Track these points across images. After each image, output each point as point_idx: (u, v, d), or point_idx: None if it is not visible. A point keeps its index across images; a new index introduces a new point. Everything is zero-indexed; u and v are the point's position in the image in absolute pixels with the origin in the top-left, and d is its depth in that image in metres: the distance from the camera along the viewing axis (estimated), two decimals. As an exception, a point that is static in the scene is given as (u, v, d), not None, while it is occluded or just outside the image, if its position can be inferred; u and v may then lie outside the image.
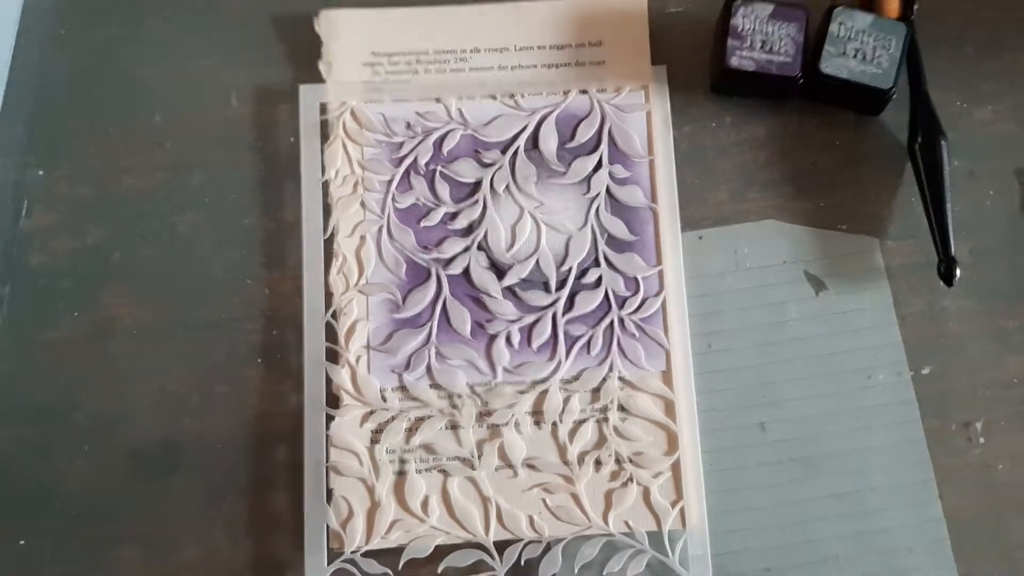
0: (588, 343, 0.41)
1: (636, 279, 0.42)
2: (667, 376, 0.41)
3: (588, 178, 0.43)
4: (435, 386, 0.41)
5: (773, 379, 0.41)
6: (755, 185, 0.44)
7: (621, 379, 0.41)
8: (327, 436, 0.40)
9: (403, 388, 0.41)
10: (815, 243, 0.43)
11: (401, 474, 0.40)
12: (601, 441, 0.40)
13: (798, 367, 0.41)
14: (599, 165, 0.43)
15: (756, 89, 0.44)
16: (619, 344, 0.41)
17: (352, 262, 0.42)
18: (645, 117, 0.44)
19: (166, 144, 0.44)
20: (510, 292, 0.42)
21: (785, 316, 0.42)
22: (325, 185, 0.43)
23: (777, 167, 0.44)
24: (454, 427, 0.41)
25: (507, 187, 0.43)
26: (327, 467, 0.40)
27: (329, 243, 0.42)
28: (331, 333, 0.42)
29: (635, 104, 0.44)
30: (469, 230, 0.42)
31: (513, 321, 0.41)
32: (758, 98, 0.44)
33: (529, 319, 0.42)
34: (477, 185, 0.43)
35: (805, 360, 0.42)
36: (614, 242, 0.42)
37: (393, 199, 0.43)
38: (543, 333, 0.41)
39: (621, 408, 0.41)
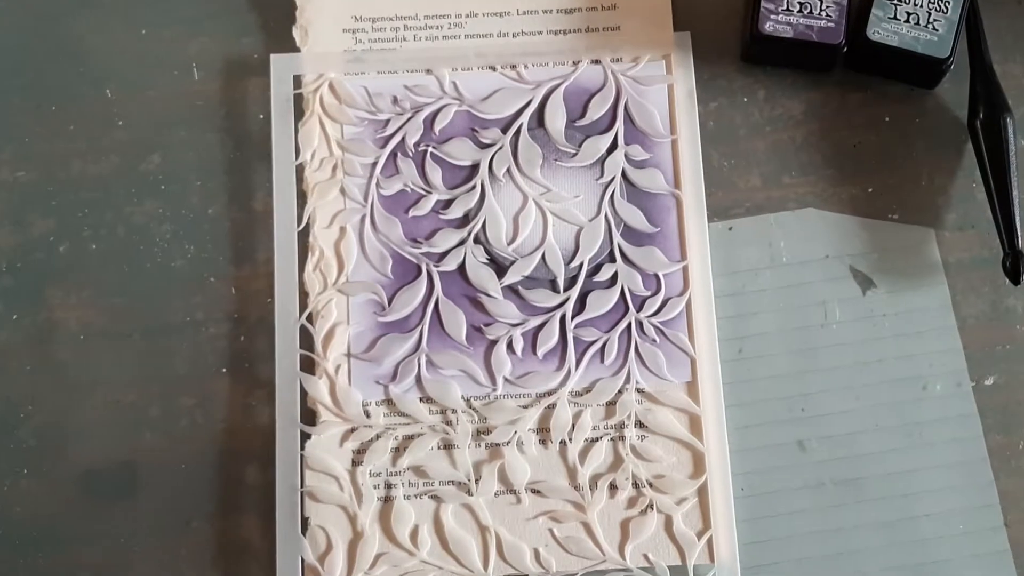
0: (602, 350, 0.40)
1: (657, 276, 0.41)
2: (692, 388, 0.40)
3: (601, 160, 0.42)
4: (426, 399, 0.40)
5: (814, 390, 0.40)
6: (792, 168, 0.42)
7: (639, 391, 0.40)
8: (302, 457, 0.39)
9: (389, 402, 0.40)
10: (862, 234, 0.42)
11: (387, 500, 0.39)
12: (616, 462, 0.39)
13: (842, 376, 0.40)
14: (614, 146, 0.42)
15: (793, 58, 0.42)
16: (637, 351, 0.40)
17: (330, 257, 0.41)
18: (667, 91, 0.42)
19: (120, 123, 0.43)
20: (512, 291, 0.41)
21: (828, 318, 0.41)
22: (300, 169, 0.42)
23: (818, 147, 0.43)
24: (448, 447, 0.40)
25: (508, 171, 0.42)
26: (302, 493, 0.39)
27: (304, 235, 0.41)
28: (306, 339, 0.40)
29: (655, 76, 0.43)
30: (465, 220, 0.41)
31: (515, 325, 0.40)
32: (796, 69, 0.43)
33: (534, 322, 0.40)
34: (474, 169, 0.42)
35: (851, 369, 0.41)
36: (631, 234, 0.41)
37: (377, 185, 0.41)
38: (550, 338, 0.40)
39: (639, 424, 0.40)
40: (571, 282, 0.41)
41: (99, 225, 0.42)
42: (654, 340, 0.40)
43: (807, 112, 0.43)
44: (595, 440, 0.40)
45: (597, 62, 0.43)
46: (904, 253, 0.42)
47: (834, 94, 0.43)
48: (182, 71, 0.43)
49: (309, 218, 0.41)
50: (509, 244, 0.41)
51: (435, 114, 0.42)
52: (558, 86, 0.42)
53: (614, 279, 0.41)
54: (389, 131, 0.42)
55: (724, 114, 0.43)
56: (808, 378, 0.40)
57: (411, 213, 0.41)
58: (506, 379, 0.40)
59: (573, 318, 0.40)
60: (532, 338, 0.40)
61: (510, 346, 0.40)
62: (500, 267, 0.41)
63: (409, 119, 0.42)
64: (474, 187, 0.41)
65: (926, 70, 0.41)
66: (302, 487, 0.39)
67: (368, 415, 0.40)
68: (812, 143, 0.43)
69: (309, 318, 0.40)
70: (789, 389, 0.40)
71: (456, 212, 0.41)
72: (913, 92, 0.43)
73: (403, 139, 0.42)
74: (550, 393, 0.40)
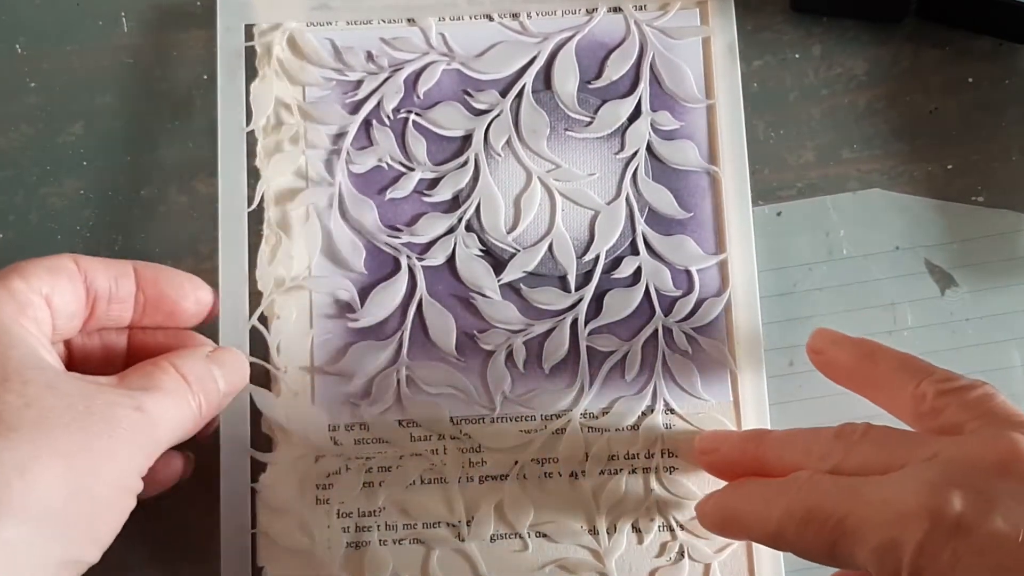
0: (622, 363, 0.38)
1: (689, 272, 0.39)
2: (733, 409, 0.38)
3: (622, 130, 0.40)
4: (407, 423, 0.38)
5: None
6: (854, 140, 0.40)
7: (669, 412, 0.38)
8: (253, 492, 0.37)
9: (362, 425, 0.38)
10: (939, 221, 0.40)
11: (359, 546, 0.37)
12: (641, 500, 0.38)
13: (917, 395, 0.39)
14: (637, 112, 0.40)
15: (856, 6, 0.40)
16: (666, 364, 0.38)
17: (289, 247, 0.39)
18: (701, 45, 0.40)
19: (32, 85, 0.41)
20: (512, 291, 0.39)
21: (897, 323, 0.39)
22: (251, 139, 0.40)
23: (885, 115, 0.40)
24: (434, 480, 0.38)
25: (508, 143, 0.40)
26: (254, 535, 0.37)
27: (256, 221, 0.39)
28: (260, 347, 0.38)
29: (688, 27, 0.40)
30: (455, 204, 0.40)
31: (516, 331, 0.38)
32: (858, 19, 0.41)
33: (539, 329, 0.39)
34: (466, 140, 0.40)
35: (926, 386, 0.39)
36: (658, 220, 0.39)
37: (347, 160, 0.40)
38: (559, 349, 0.38)
39: (669, 453, 0.38)
40: (584, 279, 0.39)
41: (7, 210, 0.40)
42: (686, 351, 0.38)
43: (872, 72, 0.41)
44: (615, 473, 0.38)
45: (617, 10, 0.40)
46: (992, 244, 0.40)
47: (905, 50, 0.41)
48: (108, 21, 0.41)
49: (262, 200, 0.39)
50: (509, 233, 0.39)
51: (418, 73, 0.40)
52: (569, 39, 0.40)
53: (637, 276, 0.39)
54: (362, 94, 0.40)
55: (771, 74, 0.41)
56: (874, 397, 0.37)
57: (389, 194, 0.39)
58: (505, 398, 0.38)
59: (587, 323, 0.38)
60: (537, 348, 0.38)
61: (510, 358, 0.38)
62: (498, 261, 0.39)
63: (386, 79, 0.40)
64: (466, 163, 0.39)
65: (1018, 20, 0.38)
66: (254, 529, 0.37)
67: (336, 441, 0.38)
68: (878, 110, 0.41)
69: (263, 322, 0.38)
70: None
71: (444, 193, 0.39)
72: (1002, 48, 0.40)
73: (379, 104, 0.40)
74: (559, 415, 0.38)
